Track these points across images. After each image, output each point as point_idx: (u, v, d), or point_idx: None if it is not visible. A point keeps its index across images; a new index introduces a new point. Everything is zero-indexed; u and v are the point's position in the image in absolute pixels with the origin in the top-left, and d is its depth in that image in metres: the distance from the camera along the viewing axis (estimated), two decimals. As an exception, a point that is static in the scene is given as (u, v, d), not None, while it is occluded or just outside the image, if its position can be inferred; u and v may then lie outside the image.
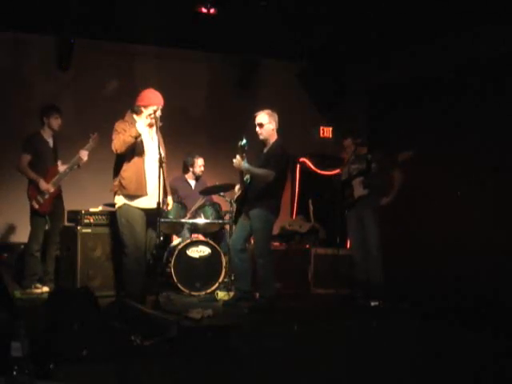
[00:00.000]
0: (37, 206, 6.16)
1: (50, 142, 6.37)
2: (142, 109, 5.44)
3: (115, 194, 5.47)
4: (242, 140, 5.42)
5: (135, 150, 5.42)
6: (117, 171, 5.46)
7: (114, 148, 5.38)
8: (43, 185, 6.15)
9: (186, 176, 7.40)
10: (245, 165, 5.50)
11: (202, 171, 7.39)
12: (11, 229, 7.63)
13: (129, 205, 5.42)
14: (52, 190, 6.20)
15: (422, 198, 7.58)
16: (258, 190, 5.63)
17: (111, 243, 6.12)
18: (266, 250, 5.74)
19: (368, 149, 6.43)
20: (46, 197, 6.18)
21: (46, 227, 6.31)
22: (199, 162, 7.35)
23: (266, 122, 5.70)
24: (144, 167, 5.43)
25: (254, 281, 5.84)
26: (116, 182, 5.44)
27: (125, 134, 5.30)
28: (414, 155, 5.93)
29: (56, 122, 6.31)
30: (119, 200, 5.46)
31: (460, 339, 4.60)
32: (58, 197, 6.33)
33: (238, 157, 5.48)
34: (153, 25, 7.34)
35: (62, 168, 6.30)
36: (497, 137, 6.82)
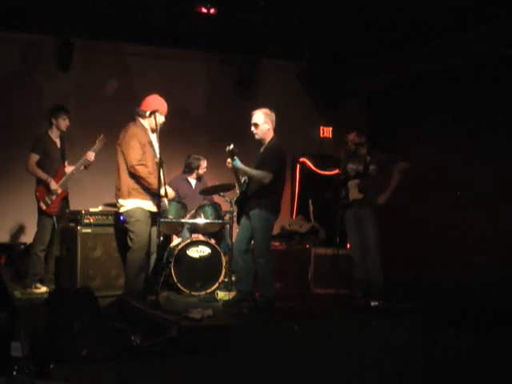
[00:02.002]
0: (44, 207, 6.13)
1: (58, 142, 6.36)
2: (157, 114, 5.47)
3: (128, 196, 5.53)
4: (229, 146, 5.43)
5: (150, 155, 5.54)
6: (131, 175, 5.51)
7: (129, 163, 5.43)
8: (53, 185, 6.14)
9: (188, 176, 7.39)
10: (238, 165, 5.50)
11: (205, 172, 7.41)
12: (11, 229, 7.64)
13: (142, 208, 5.55)
14: (60, 190, 6.20)
15: (422, 198, 7.58)
16: (256, 190, 5.62)
17: (111, 243, 6.12)
18: (267, 249, 5.72)
19: (368, 149, 6.40)
20: (54, 198, 6.17)
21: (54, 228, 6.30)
22: (204, 164, 7.36)
23: (262, 122, 5.66)
24: (156, 170, 5.51)
25: (254, 281, 5.84)
26: (133, 186, 5.50)
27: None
28: (410, 166, 6.04)
29: (64, 123, 6.30)
30: (133, 203, 5.53)
31: (460, 339, 4.60)
32: (64, 198, 6.32)
33: (228, 160, 5.50)
34: (152, 25, 7.35)
35: (68, 169, 6.30)
36: (497, 136, 6.83)
